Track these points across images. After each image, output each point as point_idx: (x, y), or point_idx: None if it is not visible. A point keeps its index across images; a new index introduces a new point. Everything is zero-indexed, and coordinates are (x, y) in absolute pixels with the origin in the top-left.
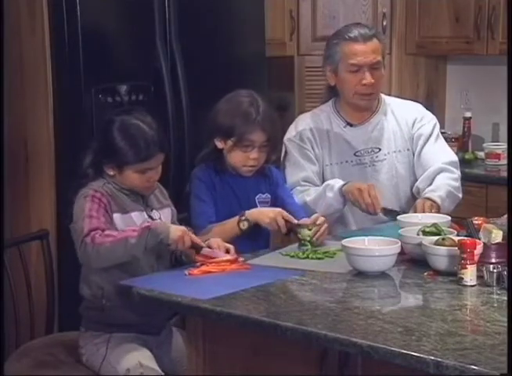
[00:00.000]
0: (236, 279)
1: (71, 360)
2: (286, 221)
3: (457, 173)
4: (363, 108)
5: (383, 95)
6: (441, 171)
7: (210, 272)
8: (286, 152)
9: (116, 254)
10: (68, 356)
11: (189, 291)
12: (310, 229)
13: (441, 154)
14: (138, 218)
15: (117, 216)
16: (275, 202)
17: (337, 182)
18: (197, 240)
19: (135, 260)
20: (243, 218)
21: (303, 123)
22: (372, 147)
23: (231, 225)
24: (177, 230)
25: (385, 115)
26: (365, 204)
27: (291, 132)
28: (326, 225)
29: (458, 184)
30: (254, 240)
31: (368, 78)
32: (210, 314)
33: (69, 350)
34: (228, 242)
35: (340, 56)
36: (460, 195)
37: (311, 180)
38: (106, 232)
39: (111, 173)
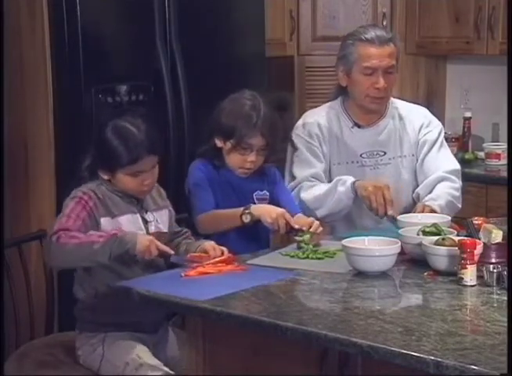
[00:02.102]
0: (233, 280)
1: (71, 360)
2: (287, 223)
3: (459, 183)
4: (372, 111)
5: (391, 98)
6: (442, 179)
7: (206, 273)
8: (294, 148)
9: (78, 256)
10: (68, 356)
11: (185, 292)
12: (307, 233)
13: (443, 162)
14: (128, 221)
15: (105, 220)
16: (272, 199)
17: (349, 178)
18: (165, 248)
19: (127, 263)
20: (247, 211)
21: (311, 119)
22: (377, 150)
23: (234, 215)
24: (144, 240)
25: (393, 119)
26: (376, 203)
27: (299, 128)
28: (321, 228)
29: (458, 194)
30: (254, 240)
31: (381, 83)
32: (210, 314)
33: (68, 350)
34: (228, 237)
35: (354, 58)
36: (460, 205)
37: (320, 177)
38: (73, 233)
39: (105, 177)
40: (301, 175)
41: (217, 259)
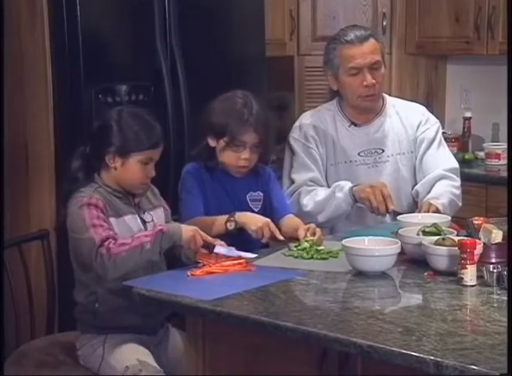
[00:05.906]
0: (239, 280)
1: (71, 361)
2: (271, 233)
3: (458, 181)
4: (367, 110)
5: (387, 97)
6: (441, 177)
7: (212, 272)
8: (292, 152)
9: (132, 261)
10: (68, 356)
11: (191, 292)
12: (308, 241)
13: (442, 161)
14: (131, 221)
15: (112, 220)
16: (265, 199)
17: (347, 184)
18: (209, 238)
19: None
20: (232, 219)
21: (307, 121)
22: (375, 148)
23: (218, 221)
24: (188, 230)
25: (390, 117)
26: (376, 202)
27: (295, 131)
28: (319, 234)
29: (459, 192)
30: (250, 239)
31: (368, 80)
32: (210, 314)
33: (68, 350)
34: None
35: (339, 61)
36: (460, 203)
37: (318, 181)
38: (120, 240)
39: (112, 165)
40: (299, 180)
41: (227, 263)
